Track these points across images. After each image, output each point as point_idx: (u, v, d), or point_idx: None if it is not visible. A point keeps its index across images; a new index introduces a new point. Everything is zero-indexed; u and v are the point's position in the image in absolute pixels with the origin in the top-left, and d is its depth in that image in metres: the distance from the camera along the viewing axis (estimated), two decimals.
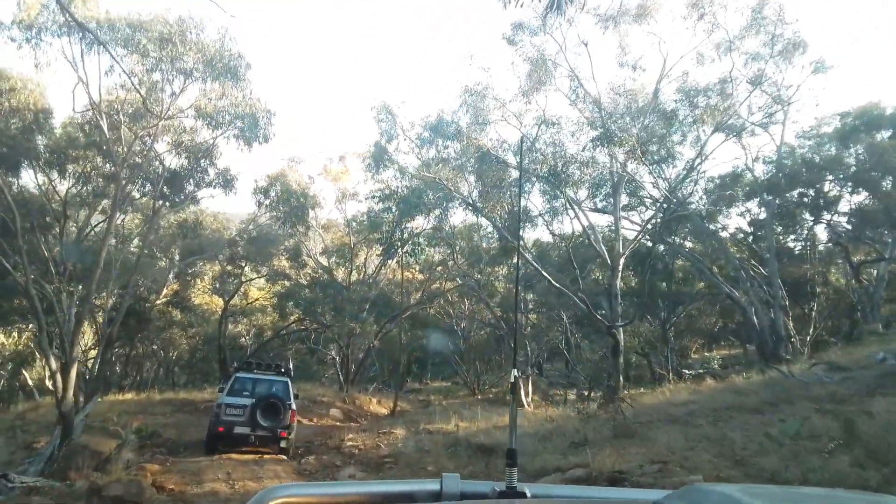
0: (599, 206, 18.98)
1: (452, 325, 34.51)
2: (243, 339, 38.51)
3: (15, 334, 28.52)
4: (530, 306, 27.93)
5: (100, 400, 23.01)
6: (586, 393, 18.64)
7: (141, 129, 13.61)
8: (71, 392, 12.52)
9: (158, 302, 26.72)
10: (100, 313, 19.04)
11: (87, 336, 30.12)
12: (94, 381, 14.59)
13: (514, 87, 14.31)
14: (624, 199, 21.36)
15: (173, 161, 16.82)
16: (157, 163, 16.17)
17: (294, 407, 12.67)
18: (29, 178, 16.72)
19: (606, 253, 15.09)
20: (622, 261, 14.86)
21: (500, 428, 13.10)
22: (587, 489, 1.47)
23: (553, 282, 14.81)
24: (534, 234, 27.24)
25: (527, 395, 22.55)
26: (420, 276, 37.36)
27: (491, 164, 15.20)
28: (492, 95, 13.96)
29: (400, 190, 17.79)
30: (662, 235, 20.02)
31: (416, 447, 12.41)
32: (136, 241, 27.15)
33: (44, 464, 12.45)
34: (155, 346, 37.74)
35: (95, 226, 19.70)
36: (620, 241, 14.73)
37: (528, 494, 1.27)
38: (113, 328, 15.50)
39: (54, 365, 12.32)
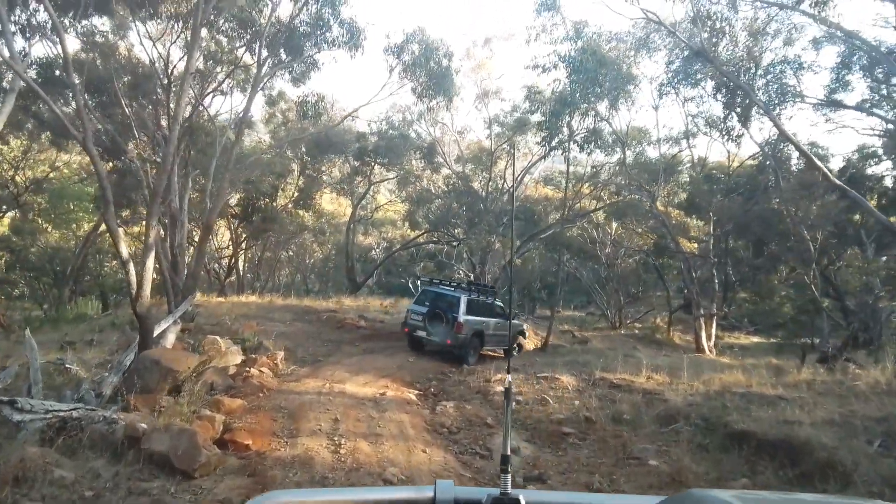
0: None
1: (595, 251, 28.84)
2: (374, 251, 35.76)
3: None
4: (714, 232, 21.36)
5: (223, 300, 20.90)
6: (841, 345, 12.37)
7: None
8: (147, 288, 9.12)
9: (287, 203, 23.79)
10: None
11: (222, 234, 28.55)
12: (191, 279, 11.31)
13: None
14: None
15: (286, 9, 12.54)
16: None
17: (463, 319, 12.11)
18: (135, 39, 13.27)
19: None
20: None
21: (736, 392, 7.95)
22: (583, 495, 1.28)
23: (832, 176, 8.98)
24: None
25: (709, 337, 16.93)
26: (559, 194, 31.91)
27: None
28: None
29: (572, 54, 12.28)
30: None
31: (610, 415, 7.63)
32: (262, 133, 24.20)
33: (121, 375, 9.33)
34: (291, 252, 36.45)
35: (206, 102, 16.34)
36: None
37: (523, 501, 1.11)
38: (211, 216, 12.05)
39: (125, 252, 8.88)
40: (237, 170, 19.68)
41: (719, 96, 11.49)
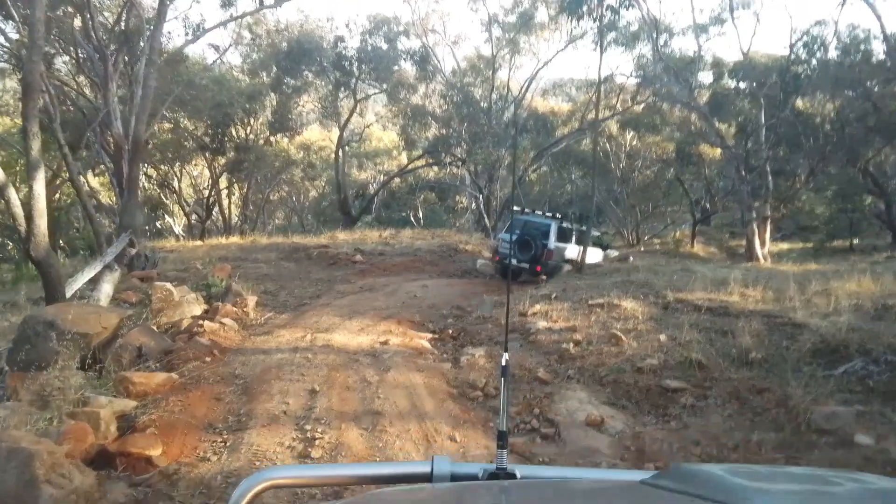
0: None
1: (609, 165, 25.75)
2: (371, 186, 32.68)
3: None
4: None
5: (200, 243, 18.03)
6: None
7: None
8: (42, 223, 6.21)
9: (265, 130, 20.36)
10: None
11: (203, 173, 25.39)
12: (127, 214, 8.43)
13: None
14: None
15: None
16: None
17: (553, 246, 11.67)
18: None
19: None
20: None
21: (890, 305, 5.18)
22: (576, 470, 1.18)
23: None
24: None
25: (763, 244, 14.11)
26: (567, 108, 28.46)
27: None
28: None
29: None
30: None
31: (730, 354, 4.84)
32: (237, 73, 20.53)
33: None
34: (284, 193, 33.58)
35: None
36: None
37: (518, 475, 1.06)
38: (139, 127, 8.92)
39: None
40: (202, 95, 16.48)
41: None
